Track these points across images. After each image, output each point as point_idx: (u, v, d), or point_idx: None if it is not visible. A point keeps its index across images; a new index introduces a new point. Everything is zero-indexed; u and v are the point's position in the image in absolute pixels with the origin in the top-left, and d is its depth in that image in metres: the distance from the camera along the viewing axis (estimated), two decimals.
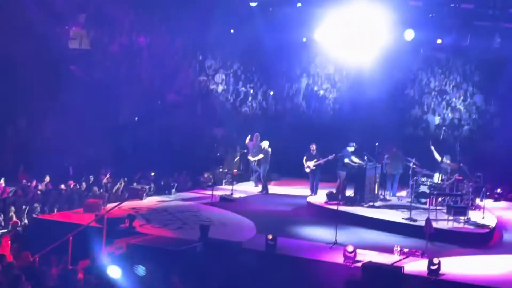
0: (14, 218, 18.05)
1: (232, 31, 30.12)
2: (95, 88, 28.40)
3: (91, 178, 22.79)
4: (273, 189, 23.39)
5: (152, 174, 24.00)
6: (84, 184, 22.04)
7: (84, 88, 27.88)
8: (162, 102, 29.43)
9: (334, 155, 21.09)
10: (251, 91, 31.62)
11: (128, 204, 18.80)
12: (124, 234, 15.48)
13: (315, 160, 21.32)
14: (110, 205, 18.04)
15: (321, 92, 31.88)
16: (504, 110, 28.39)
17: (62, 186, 21.42)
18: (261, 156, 22.78)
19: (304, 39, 29.40)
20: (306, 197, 21.03)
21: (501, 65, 29.27)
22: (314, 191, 21.53)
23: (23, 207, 18.94)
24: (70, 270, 12.05)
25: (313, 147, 21.66)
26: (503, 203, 22.72)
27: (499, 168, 25.07)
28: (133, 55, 30.73)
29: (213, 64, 32.42)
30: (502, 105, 28.45)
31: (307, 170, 21.63)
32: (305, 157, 21.58)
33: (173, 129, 28.32)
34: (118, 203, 18.31)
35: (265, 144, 22.80)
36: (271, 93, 31.72)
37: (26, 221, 18.14)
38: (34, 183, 21.31)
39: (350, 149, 20.27)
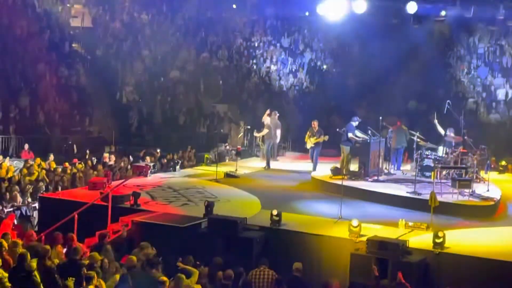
0: (19, 197, 18.11)
1: (234, 6, 29.99)
2: (97, 66, 28.42)
3: (94, 157, 22.80)
4: (277, 164, 23.37)
5: (158, 151, 24.02)
6: (89, 162, 22.07)
7: (87, 65, 27.91)
8: (165, 79, 29.36)
9: (327, 136, 21.12)
10: (254, 67, 31.53)
11: (133, 181, 18.83)
12: (129, 212, 15.51)
13: (315, 137, 21.19)
14: (114, 183, 18.06)
15: (325, 67, 31.80)
16: (509, 83, 28.32)
17: (67, 164, 21.47)
18: (266, 131, 22.59)
19: (307, 13, 29.23)
20: (310, 172, 21.01)
21: (505, 36, 29.20)
22: (313, 167, 21.38)
23: (28, 186, 18.98)
24: (75, 248, 12.06)
25: (315, 123, 21.50)
26: (507, 175, 22.69)
27: (503, 140, 25.07)
28: (135, 32, 30.68)
29: (216, 40, 32.33)
30: (506, 77, 28.35)
31: (308, 146, 21.62)
32: (308, 133, 21.47)
33: (177, 106, 28.32)
34: (122, 180, 18.40)
35: (267, 119, 22.67)
36: (274, 67, 31.63)
37: (29, 199, 18.17)
38: (39, 161, 21.36)
39: (354, 123, 20.20)
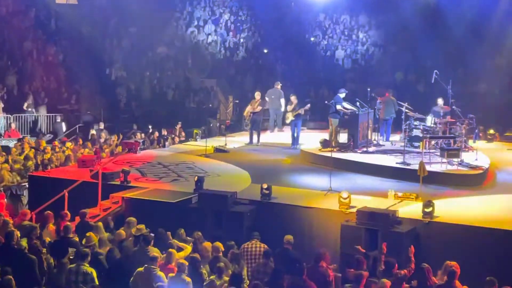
0: (7, 176, 18.07)
1: None
2: (84, 43, 28.25)
3: (80, 134, 22.77)
4: (267, 138, 23.37)
5: (150, 127, 24.01)
6: (80, 140, 22.03)
7: (73, 43, 27.73)
8: (152, 55, 29.22)
9: (309, 104, 21.13)
10: (242, 40, 31.42)
11: (123, 158, 18.82)
12: (119, 188, 15.53)
13: (294, 110, 20.90)
14: (104, 160, 18.05)
15: (312, 39, 31.73)
16: (494, 52, 28.33)
17: (56, 142, 21.41)
18: (259, 108, 22.06)
19: None
20: (300, 145, 21.00)
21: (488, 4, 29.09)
22: (295, 142, 21.09)
23: (17, 165, 18.94)
24: (66, 226, 12.10)
25: (293, 97, 21.35)
26: (496, 144, 22.81)
27: (491, 109, 25.16)
28: (121, 8, 30.44)
29: (202, 15, 32.17)
30: (493, 47, 28.36)
31: (287, 121, 21.34)
32: (287, 108, 21.31)
33: (165, 81, 28.23)
34: (112, 157, 18.39)
35: (258, 95, 22.49)
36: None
37: (18, 178, 18.13)
38: (27, 140, 21.30)
39: (342, 95, 20.18)
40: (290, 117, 21.00)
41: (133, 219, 12.87)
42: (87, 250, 10.78)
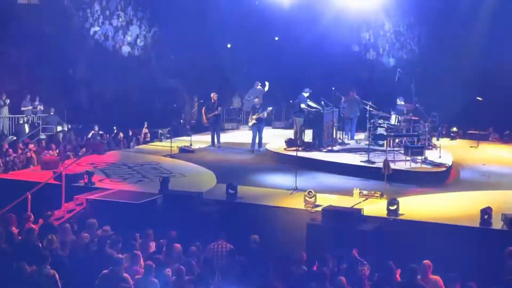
0: None
1: None
2: (46, 44, 27.91)
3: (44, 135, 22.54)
4: (232, 138, 23.35)
5: (114, 128, 23.85)
6: (43, 142, 21.78)
7: (35, 44, 27.39)
8: (116, 55, 28.97)
9: (271, 107, 21.10)
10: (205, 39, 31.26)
11: (87, 159, 18.65)
12: (83, 190, 15.39)
13: (257, 113, 20.53)
14: (68, 162, 17.88)
15: (276, 38, 31.73)
16: (457, 49, 28.61)
17: (20, 144, 21.15)
18: (220, 110, 21.92)
19: None
20: (265, 144, 20.99)
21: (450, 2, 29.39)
22: (260, 145, 20.72)
23: None
24: (29, 229, 11.95)
25: (257, 100, 21.11)
26: (459, 141, 23.07)
27: (454, 107, 25.42)
28: (84, 8, 30.15)
29: (165, 13, 31.95)
30: (455, 45, 28.65)
31: (250, 123, 20.93)
32: (251, 112, 20.98)
33: (129, 81, 28.01)
34: (75, 159, 18.22)
35: (215, 95, 22.06)
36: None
37: None
38: None
39: (305, 94, 20.25)
40: (252, 121, 20.67)
41: (94, 220, 12.75)
42: (47, 253, 10.64)
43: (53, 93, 26.90)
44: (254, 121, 20.57)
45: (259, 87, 24.83)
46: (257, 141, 20.74)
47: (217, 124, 21.52)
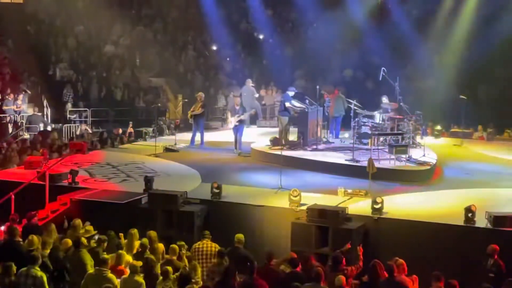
0: None
1: None
2: (29, 42, 27.80)
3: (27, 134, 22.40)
4: (216, 137, 23.30)
5: (100, 129, 23.81)
6: (27, 141, 21.65)
7: (19, 43, 27.25)
8: (100, 54, 28.86)
9: (254, 110, 21.06)
10: (190, 38, 31.27)
11: (71, 159, 18.54)
12: (67, 190, 15.31)
13: (237, 115, 20.07)
14: (52, 161, 17.77)
15: (261, 37, 31.76)
16: (440, 48, 28.75)
17: (4, 144, 21.00)
18: (201, 110, 21.55)
19: None
20: (249, 144, 20.93)
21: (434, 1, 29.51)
22: (238, 147, 20.25)
23: None
24: (12, 228, 11.86)
25: (237, 101, 20.91)
26: (443, 140, 23.16)
27: (438, 105, 25.53)
28: (68, 6, 30.03)
29: (150, 13, 31.92)
30: (439, 43, 28.78)
31: (230, 125, 20.52)
32: (229, 112, 20.73)
33: (113, 81, 27.92)
34: (59, 158, 18.11)
35: (202, 95, 22.06)
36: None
37: None
38: None
39: (290, 93, 20.25)
40: (233, 122, 20.24)
41: (78, 221, 12.69)
42: (37, 254, 10.56)
43: (36, 92, 26.78)
44: (235, 123, 20.09)
45: (250, 84, 25.01)
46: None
47: (200, 124, 21.37)
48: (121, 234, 12.57)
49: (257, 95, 26.20)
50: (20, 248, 11.26)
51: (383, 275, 10.54)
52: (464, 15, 28.91)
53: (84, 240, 11.44)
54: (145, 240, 11.88)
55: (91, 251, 11.24)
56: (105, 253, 11.14)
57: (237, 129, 20.12)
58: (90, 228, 12.20)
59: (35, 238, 11.44)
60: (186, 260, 11.64)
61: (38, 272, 10.19)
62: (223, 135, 23.34)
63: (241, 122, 20.12)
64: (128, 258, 11.19)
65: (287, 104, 19.82)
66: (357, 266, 11.19)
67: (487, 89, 26.91)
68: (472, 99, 25.36)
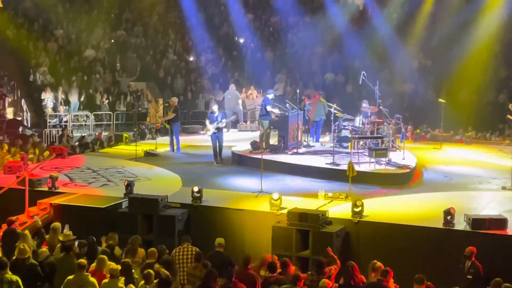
0: None
1: None
2: (9, 46, 27.66)
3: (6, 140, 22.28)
4: (197, 141, 23.30)
5: (84, 135, 23.77)
6: (5, 146, 21.50)
7: None
8: (80, 58, 28.74)
9: (235, 116, 20.96)
10: (170, 42, 31.23)
11: (51, 163, 18.49)
12: (47, 195, 15.25)
13: (216, 122, 19.16)
14: (31, 166, 17.70)
15: (241, 40, 31.79)
16: (419, 52, 28.94)
17: None
18: (172, 115, 21.30)
19: None
20: (230, 147, 20.94)
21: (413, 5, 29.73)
22: (219, 156, 19.43)
23: None
24: None
25: (214, 108, 20.08)
26: (422, 143, 23.29)
27: (418, 108, 25.71)
28: (48, 10, 29.90)
29: (131, 17, 31.86)
30: (418, 47, 28.97)
31: (208, 133, 19.40)
32: (207, 120, 19.68)
33: (94, 85, 27.83)
34: (39, 163, 18.04)
35: (174, 100, 21.87)
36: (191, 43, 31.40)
37: None
38: None
39: (270, 96, 20.30)
40: (211, 130, 19.24)
41: (58, 224, 12.65)
42: (5, 259, 10.49)
43: (16, 97, 26.65)
44: (214, 130, 19.17)
45: (234, 88, 25.41)
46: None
47: (175, 129, 21.25)
48: (103, 238, 12.54)
49: (241, 100, 26.31)
50: None
51: (359, 277, 10.65)
52: (443, 19, 29.14)
53: (75, 248, 11.44)
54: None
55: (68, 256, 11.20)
56: (84, 258, 11.09)
57: (216, 137, 19.26)
58: (70, 232, 12.14)
59: (26, 247, 11.32)
60: None
61: (12, 276, 10.14)
62: (204, 139, 23.35)
63: (219, 130, 19.30)
64: (110, 263, 11.15)
65: (269, 108, 19.85)
66: (335, 266, 11.27)
67: (466, 92, 27.10)
68: (451, 102, 25.54)
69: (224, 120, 19.49)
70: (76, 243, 11.87)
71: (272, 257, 11.68)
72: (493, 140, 24.24)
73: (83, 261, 10.54)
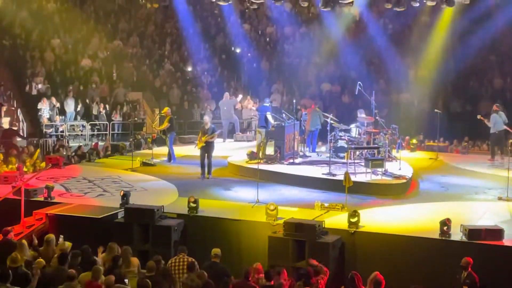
0: None
1: None
2: (5, 56, 27.68)
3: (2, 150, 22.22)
4: (193, 151, 23.25)
5: (80, 144, 23.74)
6: (1, 155, 21.46)
7: None
8: (76, 68, 28.74)
9: (220, 131, 20.45)
10: (166, 52, 31.26)
11: (47, 173, 18.45)
12: (43, 205, 15.22)
13: (206, 135, 18.42)
14: (27, 176, 17.67)
15: (238, 51, 31.84)
16: (415, 62, 29.01)
17: None
18: (166, 125, 21.20)
19: None
20: (227, 157, 20.95)
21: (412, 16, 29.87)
22: (208, 171, 18.61)
23: None
24: None
25: (207, 120, 19.24)
26: (418, 153, 23.32)
27: (413, 119, 25.75)
28: (44, 20, 29.93)
29: (127, 27, 31.91)
30: (414, 58, 29.05)
31: (197, 147, 18.73)
32: (200, 132, 18.97)
33: (90, 95, 27.82)
34: (35, 173, 18.01)
35: (168, 111, 21.76)
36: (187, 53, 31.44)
37: None
38: None
39: (267, 104, 20.39)
40: (200, 144, 18.58)
41: (52, 236, 12.61)
42: (8, 271, 10.44)
43: (12, 107, 26.63)
44: (202, 143, 18.49)
45: (228, 97, 25.32)
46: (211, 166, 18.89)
47: (169, 139, 21.21)
48: (100, 248, 12.50)
49: (238, 105, 26.54)
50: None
51: (361, 287, 10.61)
52: (439, 30, 29.24)
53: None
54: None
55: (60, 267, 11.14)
56: (79, 268, 11.05)
57: (205, 151, 18.47)
58: (65, 243, 12.10)
59: (18, 256, 11.28)
60: None
61: None
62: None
63: (209, 143, 18.52)
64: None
65: (269, 117, 19.84)
66: (322, 275, 11.24)
67: (461, 103, 27.18)
68: (447, 113, 25.63)
69: (214, 134, 18.66)
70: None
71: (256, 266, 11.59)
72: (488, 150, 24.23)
73: (72, 271, 10.48)
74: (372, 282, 10.45)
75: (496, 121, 21.45)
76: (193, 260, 11.77)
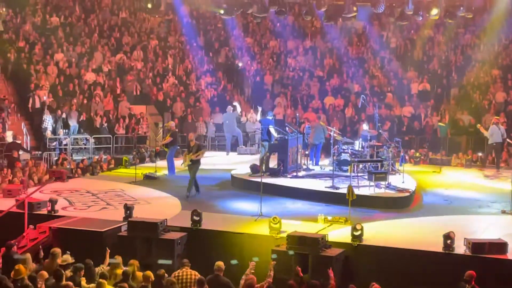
0: None
1: (149, 5, 29.68)
2: (9, 69, 27.77)
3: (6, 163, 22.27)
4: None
5: (83, 158, 23.77)
6: (5, 170, 21.50)
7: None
8: (80, 81, 28.80)
9: (204, 150, 19.60)
10: (170, 66, 31.33)
11: (50, 187, 18.47)
12: (46, 218, 15.22)
13: (192, 153, 18.01)
14: (31, 189, 17.69)
15: (240, 64, 31.90)
16: (418, 76, 29.07)
17: None
18: (169, 139, 21.19)
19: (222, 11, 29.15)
20: (230, 171, 20.94)
21: (415, 30, 30.00)
22: (196, 190, 18.21)
23: None
24: None
25: (191, 136, 18.83)
26: (422, 167, 23.31)
27: (417, 132, 25.75)
28: (48, 34, 30.06)
29: (130, 40, 32.00)
30: (419, 70, 29.11)
31: (184, 164, 18.33)
32: (186, 151, 18.79)
33: (93, 108, 27.86)
34: (38, 186, 18.02)
35: (171, 124, 21.88)
36: (190, 67, 31.52)
37: None
38: None
39: (269, 117, 20.45)
40: (187, 161, 18.12)
41: (57, 250, 12.60)
42: (11, 284, 10.46)
43: (16, 119, 26.70)
44: (188, 162, 17.97)
45: (231, 111, 25.35)
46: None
47: (169, 152, 21.27)
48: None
49: (243, 118, 26.61)
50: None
51: None
52: (442, 43, 29.32)
53: (67, 273, 11.38)
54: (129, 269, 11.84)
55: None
56: (84, 279, 11.05)
57: (191, 168, 18.03)
58: (68, 257, 12.11)
59: (21, 268, 11.29)
60: None
61: None
62: (203, 162, 23.38)
63: (195, 161, 18.07)
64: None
65: (272, 130, 19.87)
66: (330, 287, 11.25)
67: (465, 116, 27.18)
68: (450, 126, 25.63)
69: (200, 152, 18.11)
70: (71, 267, 11.82)
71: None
72: (493, 163, 24.20)
73: (70, 284, 10.47)
74: None
75: (494, 132, 21.83)
76: (199, 275, 11.74)
